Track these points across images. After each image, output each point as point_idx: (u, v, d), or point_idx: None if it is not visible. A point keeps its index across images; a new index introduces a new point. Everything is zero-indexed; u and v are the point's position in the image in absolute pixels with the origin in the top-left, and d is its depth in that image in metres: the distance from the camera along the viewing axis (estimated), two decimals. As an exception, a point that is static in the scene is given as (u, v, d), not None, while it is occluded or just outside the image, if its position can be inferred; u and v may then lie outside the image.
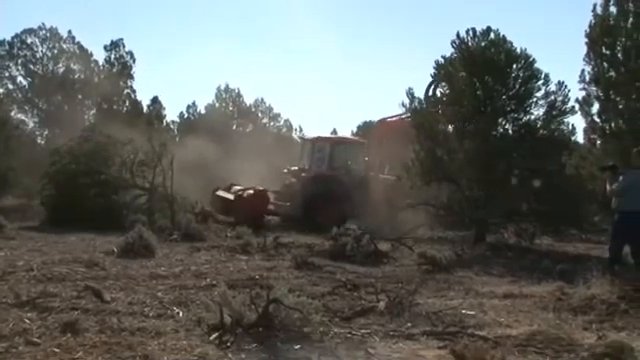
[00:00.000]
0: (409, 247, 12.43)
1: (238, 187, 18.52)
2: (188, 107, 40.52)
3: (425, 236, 15.16)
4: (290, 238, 13.79)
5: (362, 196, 17.39)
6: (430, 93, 16.49)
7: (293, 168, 19.57)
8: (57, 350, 4.96)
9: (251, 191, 17.66)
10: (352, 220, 14.31)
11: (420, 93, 15.85)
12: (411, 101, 15.03)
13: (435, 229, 15.84)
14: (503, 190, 13.89)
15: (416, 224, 14.73)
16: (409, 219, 15.29)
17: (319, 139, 20.13)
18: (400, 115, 18.76)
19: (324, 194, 17.16)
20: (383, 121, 20.05)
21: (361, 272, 9.98)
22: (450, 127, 14.88)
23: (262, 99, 42.75)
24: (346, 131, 37.71)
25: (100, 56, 33.72)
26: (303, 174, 18.73)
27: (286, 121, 43.26)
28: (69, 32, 33.17)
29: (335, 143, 19.84)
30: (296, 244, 12.91)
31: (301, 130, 36.64)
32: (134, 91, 34.41)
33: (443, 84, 15.31)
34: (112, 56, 33.81)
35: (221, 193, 18.95)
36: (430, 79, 16.16)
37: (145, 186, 16.53)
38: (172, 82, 59.79)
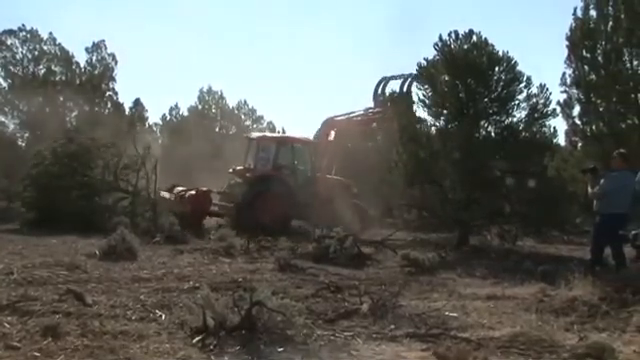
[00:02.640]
0: (392, 249, 12.46)
1: (180, 188, 17.90)
2: (171, 109, 40.62)
3: (408, 238, 15.16)
4: (274, 241, 13.56)
5: (308, 197, 17.14)
6: (405, 89, 16.49)
7: (238, 168, 18.66)
8: (38, 354, 4.90)
9: (193, 192, 17.07)
10: (297, 221, 14.53)
11: (396, 88, 15.86)
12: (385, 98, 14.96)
13: (418, 231, 15.89)
14: (486, 192, 13.99)
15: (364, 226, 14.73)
16: (355, 220, 15.45)
17: (264, 138, 19.70)
18: (349, 114, 18.70)
19: (268, 194, 16.81)
20: (331, 120, 19.41)
21: (344, 274, 9.95)
22: (433, 129, 14.90)
23: (245, 101, 42.59)
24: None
25: (81, 58, 33.61)
26: (247, 174, 18.03)
27: (269, 123, 42.94)
28: (50, 33, 32.73)
29: (280, 142, 19.19)
30: (279, 247, 12.91)
31: (284, 132, 36.60)
32: (116, 93, 34.30)
33: (421, 82, 15.06)
34: (94, 58, 33.71)
35: (164, 194, 17.93)
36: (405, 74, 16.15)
37: (128, 189, 16.47)
38: (154, 84, 59.85)
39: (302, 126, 65.21)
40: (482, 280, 10.00)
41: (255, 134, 21.07)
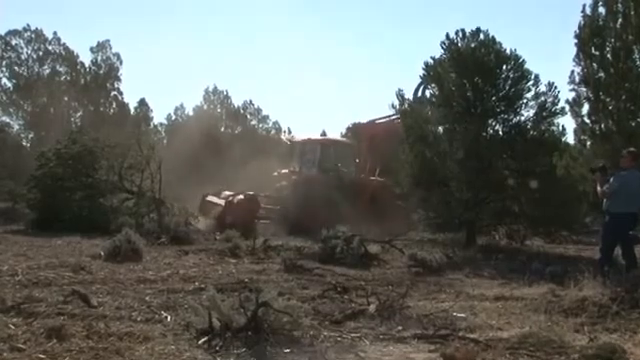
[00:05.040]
0: (399, 249, 12.50)
1: (228, 192, 18.36)
2: (176, 109, 40.55)
3: (416, 238, 15.23)
4: (280, 241, 13.70)
5: (352, 199, 17.15)
6: (419, 94, 16.69)
7: (283, 171, 19.48)
8: (42, 356, 4.89)
9: (241, 196, 17.54)
10: (342, 223, 14.07)
11: (410, 94, 16.01)
12: (401, 102, 15.02)
13: (426, 231, 15.90)
14: (493, 192, 13.95)
15: (407, 226, 14.82)
16: (399, 222, 15.51)
17: (309, 141, 20.07)
18: (390, 116, 19.08)
19: (314, 197, 16.90)
20: (372, 123, 20.03)
21: (351, 275, 9.94)
22: (440, 128, 14.89)
23: (250, 101, 42.87)
24: (335, 133, 37.72)
25: (86, 58, 33.70)
26: (293, 177, 18.68)
27: (275, 123, 43.20)
28: (54, 33, 33.18)
29: (325, 145, 19.78)
30: (285, 247, 12.86)
31: (290, 132, 36.53)
32: (121, 93, 34.41)
33: (432, 85, 15.26)
34: (99, 58, 33.77)
35: (211, 198, 18.80)
36: (419, 80, 16.29)
37: (133, 190, 16.51)
38: (159, 84, 59.83)
39: (308, 126, 65.40)
40: (490, 280, 10.02)
41: (300, 137, 21.30)
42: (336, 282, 8.79)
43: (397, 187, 17.62)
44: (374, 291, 8.10)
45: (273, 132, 41.68)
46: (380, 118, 19.72)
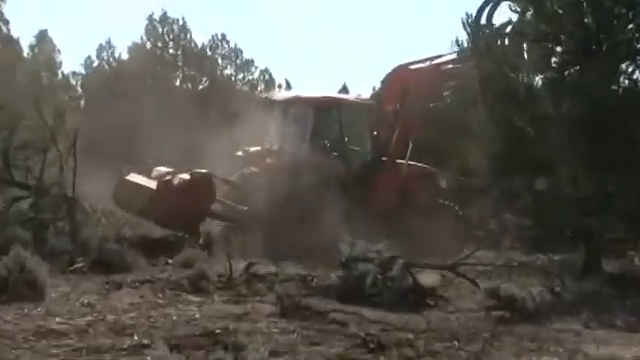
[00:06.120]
0: (471, 280, 12.00)
1: (164, 169, 17.24)
2: (100, 49, 40.36)
3: (497, 261, 14.58)
4: (272, 267, 13.52)
5: (368, 197, 16.76)
6: (484, 20, 15.78)
7: (253, 149, 18.02)
8: None
9: (186, 175, 16.40)
10: (355, 234, 13.73)
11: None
12: (472, 34, 14.78)
13: (514, 249, 15.43)
14: (630, 185, 13.30)
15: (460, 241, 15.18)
16: (446, 232, 15.47)
17: (295, 100, 18.81)
18: (432, 59, 18.10)
19: (303, 194, 16.05)
20: (403, 68, 18.75)
21: (391, 322, 9.63)
22: (538, 79, 14.46)
23: (223, 36, 42.52)
24: (360, 91, 36.51)
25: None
26: (269, 160, 17.38)
27: (263, 72, 42.50)
28: None
29: (322, 107, 18.40)
30: (282, 276, 12.58)
31: (288, 86, 35.69)
32: (6, 22, 34.06)
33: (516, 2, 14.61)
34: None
35: (135, 178, 17.62)
36: None
37: (28, 183, 15.87)
38: (72, 9, 59.37)
39: (316, 81, 64.85)
40: (628, 333, 9.70)
41: (280, 94, 21.11)
42: (366, 334, 8.66)
43: (444, 177, 17.97)
44: (429, 349, 8.16)
45: (261, 88, 41.32)
46: (417, 61, 18.61)
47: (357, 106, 19.47)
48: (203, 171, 16.60)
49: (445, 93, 21.33)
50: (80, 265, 13.19)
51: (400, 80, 18.59)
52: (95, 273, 12.85)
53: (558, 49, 13.96)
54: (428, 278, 11.83)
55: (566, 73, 13.97)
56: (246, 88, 40.15)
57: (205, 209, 16.60)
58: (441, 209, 16.98)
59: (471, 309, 10.88)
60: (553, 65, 14.08)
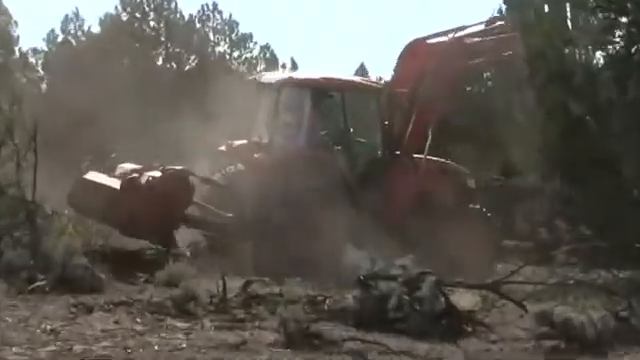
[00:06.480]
0: (517, 302, 11.15)
1: (130, 166, 16.20)
2: (66, 21, 38.97)
3: (550, 279, 13.67)
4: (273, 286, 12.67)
5: (380, 200, 15.83)
6: None
7: (238, 143, 16.92)
8: None
9: (156, 173, 15.43)
10: (363, 246, 13.03)
11: None
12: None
13: (570, 265, 14.68)
14: None
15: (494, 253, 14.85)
16: (475, 244, 14.42)
17: (290, 82, 17.49)
18: (455, 30, 16.96)
19: (302, 195, 15.15)
20: (421, 43, 17.41)
21: (420, 353, 9.32)
22: (599, 56, 14.38)
23: (214, 6, 40.98)
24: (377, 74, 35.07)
25: None
26: (257, 155, 16.40)
27: (264, 49, 41.28)
28: None
29: (320, 91, 17.14)
30: (287, 298, 11.86)
31: (294, 66, 34.68)
32: None
33: None
34: None
35: (95, 177, 16.49)
36: None
37: None
38: None
39: (326, 58, 64.94)
40: None
41: (271, 75, 20.04)
42: (390, 368, 8.61)
43: (474, 176, 16.94)
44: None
45: (262, 67, 39.95)
46: (437, 34, 17.39)
47: (364, 90, 18.31)
48: (177, 168, 15.77)
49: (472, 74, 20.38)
50: (42, 284, 12.22)
51: (416, 57, 17.34)
52: (60, 293, 11.95)
53: (624, 20, 13.73)
54: (464, 300, 11.26)
55: (633, 49, 13.70)
56: (243, 68, 38.90)
57: (179, 214, 15.57)
58: (468, 214, 15.87)
59: (518, 338, 10.30)
60: (617, 39, 13.92)
